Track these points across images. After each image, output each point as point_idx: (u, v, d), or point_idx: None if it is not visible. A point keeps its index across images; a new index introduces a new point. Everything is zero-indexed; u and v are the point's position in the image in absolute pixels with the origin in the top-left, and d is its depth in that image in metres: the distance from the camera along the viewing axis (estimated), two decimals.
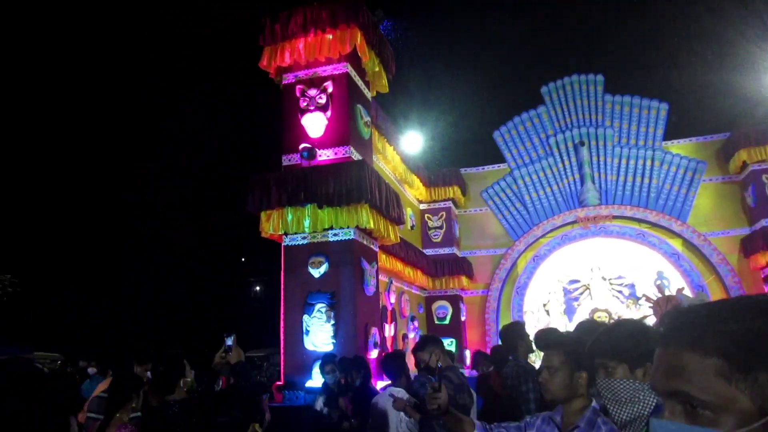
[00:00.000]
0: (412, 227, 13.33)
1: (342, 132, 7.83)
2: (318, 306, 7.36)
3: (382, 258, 10.21)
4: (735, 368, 0.78)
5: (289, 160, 7.90)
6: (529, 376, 4.19)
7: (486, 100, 14.35)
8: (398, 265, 11.10)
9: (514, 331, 4.60)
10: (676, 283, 12.35)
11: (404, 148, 12.53)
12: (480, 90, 14.04)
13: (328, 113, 7.89)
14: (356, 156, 7.88)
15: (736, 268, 12.77)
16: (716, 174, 13.43)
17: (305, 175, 7.51)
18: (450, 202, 14.15)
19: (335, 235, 7.60)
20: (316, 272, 7.52)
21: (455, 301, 13.61)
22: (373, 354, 7.61)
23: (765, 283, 12.15)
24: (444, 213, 14.10)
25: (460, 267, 13.62)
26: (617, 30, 13.40)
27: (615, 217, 13.59)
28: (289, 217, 7.52)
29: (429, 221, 14.12)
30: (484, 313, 13.92)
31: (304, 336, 7.35)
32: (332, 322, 7.29)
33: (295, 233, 7.67)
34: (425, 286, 13.21)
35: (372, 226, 7.58)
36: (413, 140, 12.79)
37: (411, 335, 12.18)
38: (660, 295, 8.76)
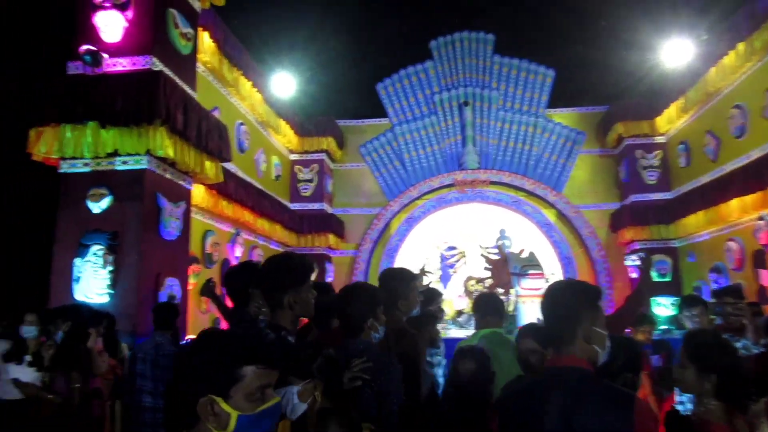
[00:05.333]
0: (277, 177, 11.86)
1: (143, 38, 6.18)
2: (94, 248, 5.80)
3: (222, 204, 8.73)
4: None
5: (77, 69, 6.16)
6: None
7: (371, 49, 12.94)
8: (246, 215, 9.65)
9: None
10: (520, 243, 11.61)
11: (272, 90, 10.97)
12: (365, 38, 12.59)
13: (128, 13, 6.18)
14: (165, 70, 6.27)
15: (604, 242, 12.31)
16: (594, 146, 12.85)
17: (87, 85, 5.85)
18: (324, 154, 12.76)
19: (124, 162, 6.01)
20: (96, 207, 5.92)
21: (321, 260, 12.35)
22: None
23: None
24: (316, 165, 12.71)
25: (329, 224, 12.34)
26: None
27: (492, 183, 12.74)
28: (67, 134, 5.85)
29: (299, 173, 12.70)
30: (353, 276, 12.78)
31: (74, 284, 5.78)
32: (110, 268, 5.76)
33: (75, 158, 6.01)
34: (287, 243, 11.84)
35: (172, 155, 6.05)
36: (283, 81, 11.21)
37: None
38: (500, 256, 8.02)
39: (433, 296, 4.51)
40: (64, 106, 5.79)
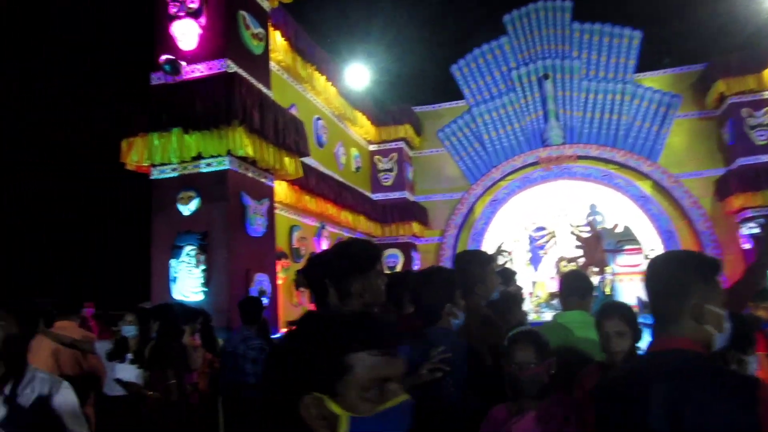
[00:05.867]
0: (357, 169, 11.91)
1: (217, 42, 6.33)
2: (187, 249, 6.04)
3: (305, 199, 8.87)
4: None
5: (159, 79, 6.44)
6: None
7: (444, 31, 12.65)
8: (330, 208, 9.75)
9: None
10: (613, 218, 10.85)
11: (346, 82, 10.98)
12: (437, 20, 12.33)
13: (202, 20, 6.36)
14: (239, 72, 6.40)
15: (709, 212, 11.33)
16: (691, 109, 11.82)
17: (168, 93, 6.08)
18: (402, 142, 12.65)
19: (208, 165, 6.21)
20: (186, 209, 6.16)
21: (407, 249, 12.31)
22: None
23: (739, 228, 10.71)
24: (395, 154, 12.63)
25: (412, 212, 12.25)
26: None
27: (579, 158, 12.09)
28: (155, 142, 6.13)
29: (379, 163, 12.68)
30: (439, 262, 12.62)
31: (171, 284, 6.07)
32: (202, 267, 5.99)
33: (163, 164, 6.29)
34: (372, 234, 11.86)
35: (251, 153, 6.17)
36: (357, 73, 11.19)
37: None
38: (591, 233, 7.46)
39: (509, 276, 4.26)
40: (151, 115, 6.05)
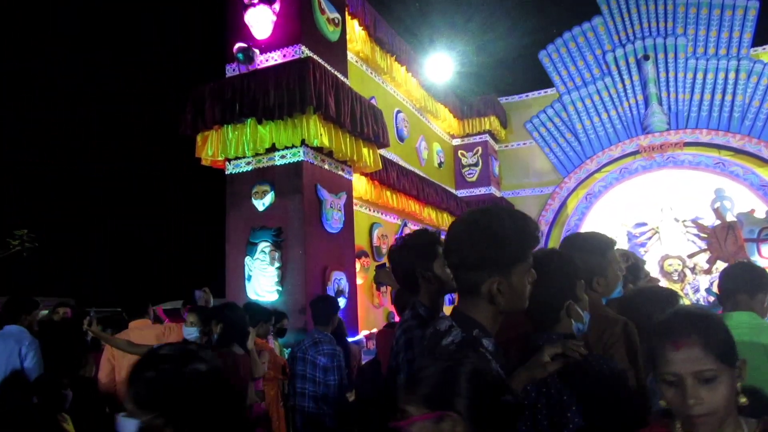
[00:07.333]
0: (440, 164, 11.23)
1: (291, 28, 5.92)
2: (261, 246, 5.66)
3: (386, 195, 8.33)
4: None
5: (234, 70, 6.13)
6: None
7: (528, 15, 11.70)
8: (412, 205, 9.15)
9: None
10: (742, 205, 9.40)
11: (428, 74, 10.35)
12: (521, 3, 11.41)
13: (276, 5, 5.97)
14: (313, 57, 5.96)
15: None
16: None
17: (243, 83, 5.73)
18: (486, 135, 11.84)
19: (283, 157, 5.80)
20: (261, 204, 5.78)
21: None
22: (340, 303, 5.83)
23: None
24: (480, 148, 11.83)
25: None
26: None
27: (687, 144, 10.73)
28: (229, 135, 5.80)
29: (463, 158, 11.93)
30: None
31: (246, 282, 5.70)
32: (277, 264, 5.57)
33: (238, 158, 5.95)
34: None
35: (327, 143, 5.69)
36: (439, 63, 10.51)
37: None
38: (718, 222, 6.26)
39: (638, 267, 3.40)
40: (225, 107, 5.73)
